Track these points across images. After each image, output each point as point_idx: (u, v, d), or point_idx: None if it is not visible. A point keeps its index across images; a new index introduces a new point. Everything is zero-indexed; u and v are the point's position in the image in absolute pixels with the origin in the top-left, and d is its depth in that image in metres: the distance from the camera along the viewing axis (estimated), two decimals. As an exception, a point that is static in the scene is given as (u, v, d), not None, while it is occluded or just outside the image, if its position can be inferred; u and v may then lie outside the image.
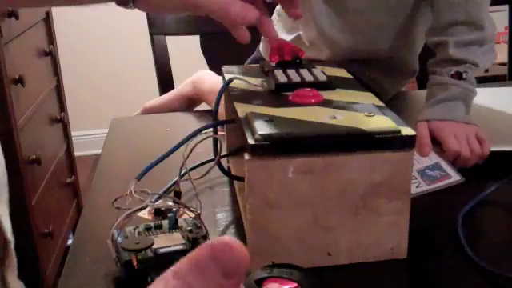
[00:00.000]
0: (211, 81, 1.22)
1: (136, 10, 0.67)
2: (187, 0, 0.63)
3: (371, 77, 1.13)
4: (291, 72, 0.80)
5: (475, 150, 0.85)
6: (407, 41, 1.16)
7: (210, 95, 1.18)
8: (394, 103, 1.17)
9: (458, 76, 0.92)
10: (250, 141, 0.59)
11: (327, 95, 0.73)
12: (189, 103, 1.29)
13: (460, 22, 0.95)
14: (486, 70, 1.46)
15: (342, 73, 0.87)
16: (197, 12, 0.65)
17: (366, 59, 1.15)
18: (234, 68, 0.91)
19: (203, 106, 1.26)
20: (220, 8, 0.64)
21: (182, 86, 1.29)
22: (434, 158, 0.85)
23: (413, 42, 1.18)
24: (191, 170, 0.82)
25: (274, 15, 1.27)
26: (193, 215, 0.66)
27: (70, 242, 1.93)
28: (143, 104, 1.33)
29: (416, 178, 0.81)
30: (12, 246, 0.62)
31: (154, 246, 0.58)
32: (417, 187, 0.79)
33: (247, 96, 0.74)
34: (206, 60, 1.59)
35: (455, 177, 0.82)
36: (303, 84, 0.76)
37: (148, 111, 1.31)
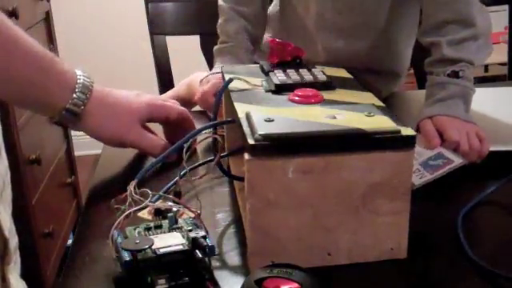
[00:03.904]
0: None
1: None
2: (125, 139, 0.85)
3: (359, 77, 1.14)
4: (291, 72, 0.80)
5: (474, 146, 0.85)
6: (387, 42, 1.16)
7: None
8: (393, 103, 1.17)
9: (455, 75, 0.92)
10: (250, 141, 0.59)
11: (327, 95, 0.73)
12: (184, 105, 1.28)
13: (450, 21, 0.95)
14: (486, 70, 1.46)
15: (342, 73, 0.87)
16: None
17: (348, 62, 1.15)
18: (234, 68, 0.91)
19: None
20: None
21: (177, 87, 1.28)
22: (435, 149, 0.85)
23: (393, 43, 1.18)
24: (191, 170, 0.82)
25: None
26: (193, 215, 0.66)
27: (70, 241, 1.93)
28: None
29: (419, 171, 0.81)
30: (12, 244, 0.61)
31: (154, 246, 0.58)
32: (420, 178, 0.79)
33: (247, 96, 0.74)
34: (206, 60, 1.59)
35: (457, 160, 0.82)
36: (303, 84, 0.76)
37: None
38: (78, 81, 0.79)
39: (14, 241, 0.63)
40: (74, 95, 0.78)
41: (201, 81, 1.05)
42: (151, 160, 0.80)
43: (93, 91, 0.80)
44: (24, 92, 0.76)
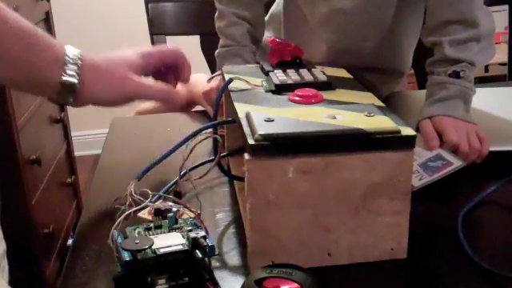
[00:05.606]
0: (205, 84, 1.22)
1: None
2: (127, 91, 0.78)
3: (361, 76, 1.14)
4: (291, 72, 0.81)
5: (474, 146, 0.85)
6: (391, 41, 1.16)
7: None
8: (393, 103, 1.17)
9: (456, 75, 0.92)
10: (250, 141, 0.59)
11: (327, 95, 0.73)
12: (182, 106, 1.28)
13: (453, 21, 0.95)
14: (486, 70, 1.46)
15: (342, 73, 0.87)
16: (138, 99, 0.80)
17: (352, 61, 1.15)
18: (234, 68, 0.91)
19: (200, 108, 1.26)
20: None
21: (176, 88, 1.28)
22: (434, 151, 0.85)
23: (398, 42, 1.18)
24: (191, 170, 0.83)
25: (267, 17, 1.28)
26: (193, 215, 0.66)
27: (70, 241, 1.93)
28: (137, 107, 1.33)
29: (418, 172, 0.81)
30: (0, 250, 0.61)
31: (154, 246, 0.58)
32: (420, 180, 0.79)
33: (247, 96, 0.74)
34: (206, 60, 1.59)
35: (457, 163, 0.82)
36: (303, 84, 0.76)
37: (141, 114, 1.30)
38: (67, 52, 0.76)
39: (1, 247, 0.62)
40: (66, 67, 0.76)
41: (209, 79, 1.04)
42: (151, 160, 0.80)
43: (83, 60, 0.78)
44: (16, 71, 0.75)
